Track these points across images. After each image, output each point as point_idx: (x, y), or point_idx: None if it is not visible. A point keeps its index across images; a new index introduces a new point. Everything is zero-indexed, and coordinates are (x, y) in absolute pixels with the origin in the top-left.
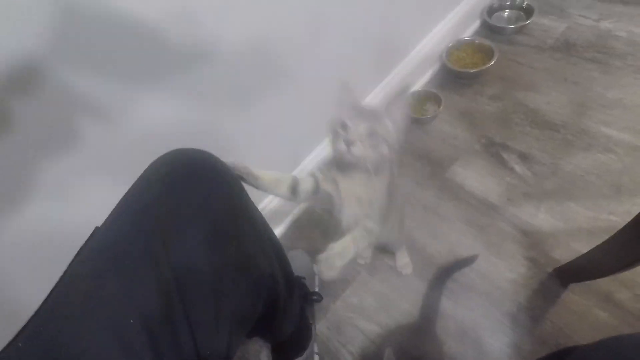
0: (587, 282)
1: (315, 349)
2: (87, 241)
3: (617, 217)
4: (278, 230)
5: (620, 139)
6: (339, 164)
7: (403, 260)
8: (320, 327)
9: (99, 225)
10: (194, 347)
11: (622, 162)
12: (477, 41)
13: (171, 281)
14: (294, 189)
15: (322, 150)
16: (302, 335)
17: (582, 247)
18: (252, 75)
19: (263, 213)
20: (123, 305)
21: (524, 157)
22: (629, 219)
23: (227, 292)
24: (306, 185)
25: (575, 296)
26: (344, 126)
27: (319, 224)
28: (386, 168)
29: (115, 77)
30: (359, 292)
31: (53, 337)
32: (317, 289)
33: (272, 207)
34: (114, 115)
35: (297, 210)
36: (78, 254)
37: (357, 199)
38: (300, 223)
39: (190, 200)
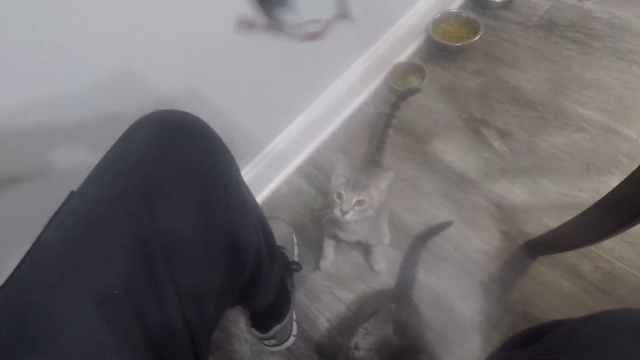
0: (554, 255)
1: (294, 317)
2: (62, 206)
3: (585, 194)
4: (259, 198)
5: (594, 119)
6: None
7: (378, 259)
8: (299, 295)
9: (75, 190)
10: (182, 317)
11: (594, 141)
12: (463, 14)
13: (157, 248)
14: None
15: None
16: (282, 304)
17: (552, 221)
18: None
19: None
20: (104, 272)
21: (502, 134)
22: (596, 195)
23: (214, 261)
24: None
25: (543, 267)
26: (339, 196)
27: (299, 194)
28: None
29: None
30: (336, 262)
31: (28, 308)
32: (296, 259)
33: (252, 175)
34: None
35: (277, 180)
36: (52, 219)
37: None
38: (280, 193)
39: (178, 164)
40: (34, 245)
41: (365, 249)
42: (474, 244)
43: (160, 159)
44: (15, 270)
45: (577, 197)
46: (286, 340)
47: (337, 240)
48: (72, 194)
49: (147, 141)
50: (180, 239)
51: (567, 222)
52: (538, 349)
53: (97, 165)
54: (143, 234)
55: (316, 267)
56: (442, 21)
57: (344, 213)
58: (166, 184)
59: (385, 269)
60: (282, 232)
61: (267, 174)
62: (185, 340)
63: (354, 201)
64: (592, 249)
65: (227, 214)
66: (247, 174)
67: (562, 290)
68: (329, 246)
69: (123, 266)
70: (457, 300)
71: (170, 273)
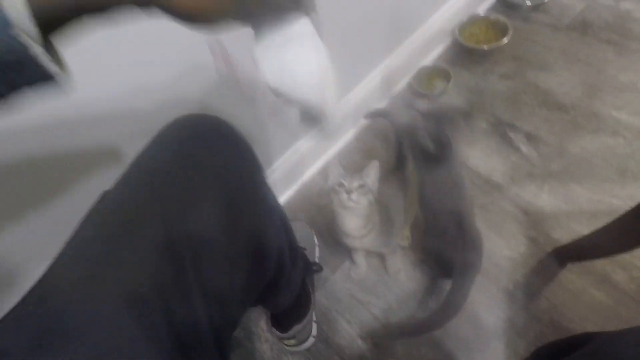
0: (585, 263)
1: (314, 318)
2: (95, 205)
3: (619, 200)
4: (280, 200)
5: (630, 123)
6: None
7: (394, 266)
8: (319, 296)
9: (108, 189)
10: (207, 318)
11: (630, 146)
12: (491, 17)
13: (185, 249)
14: None
15: None
16: (302, 304)
17: (583, 228)
18: None
19: None
20: (135, 270)
21: (530, 138)
22: (631, 202)
23: (240, 263)
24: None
25: (572, 275)
26: (340, 185)
27: (321, 195)
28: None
29: None
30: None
31: (61, 305)
32: (317, 260)
33: (276, 176)
34: None
35: (299, 181)
36: (86, 217)
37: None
38: (302, 194)
39: (207, 167)
40: (67, 242)
41: (381, 258)
42: (500, 250)
43: (190, 162)
44: (49, 267)
45: (610, 203)
46: (306, 340)
47: (349, 250)
48: (105, 193)
49: (179, 143)
50: (208, 240)
51: (600, 228)
52: None
53: (130, 165)
54: (172, 234)
55: (348, 276)
56: (470, 24)
57: (348, 192)
58: (196, 187)
59: (401, 272)
60: (303, 234)
61: (291, 176)
62: (210, 340)
63: (355, 184)
64: (626, 257)
65: (252, 217)
66: (272, 174)
67: (593, 300)
68: (359, 255)
69: (153, 266)
70: (481, 307)
71: (197, 274)
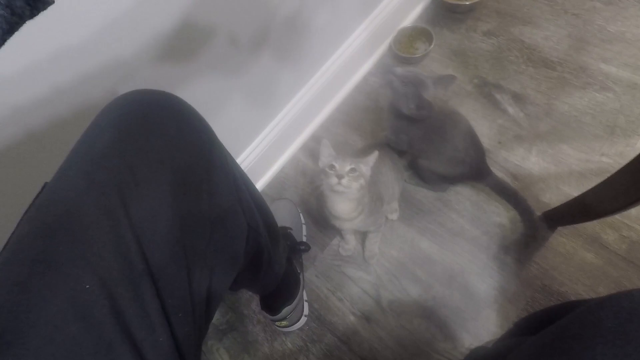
0: (575, 225)
1: (305, 297)
2: (35, 198)
3: (609, 158)
4: (263, 180)
5: (619, 76)
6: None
7: (372, 249)
8: (309, 275)
9: (48, 181)
10: (161, 310)
11: (619, 100)
12: None
13: (132, 240)
14: None
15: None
16: (290, 285)
17: (572, 190)
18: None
19: (245, 164)
20: (77, 267)
21: (517, 98)
22: (621, 160)
23: (200, 248)
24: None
25: (562, 238)
26: (331, 167)
27: (305, 173)
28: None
29: None
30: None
31: (0, 306)
32: (304, 239)
33: (255, 156)
34: None
35: (281, 159)
36: (26, 212)
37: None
38: (285, 172)
39: (150, 148)
40: (8, 240)
41: (363, 235)
42: (489, 217)
43: (129, 145)
44: None
45: (600, 162)
46: (298, 320)
47: (338, 230)
48: (45, 185)
49: (116, 126)
50: (156, 228)
51: (590, 189)
52: (548, 334)
53: (68, 155)
54: (117, 226)
55: (337, 253)
56: None
57: (339, 177)
58: (139, 171)
59: (377, 255)
60: (289, 213)
61: (271, 154)
62: (165, 336)
63: (347, 169)
64: (616, 217)
65: (213, 198)
66: (250, 154)
67: (584, 261)
68: (347, 232)
69: (95, 259)
70: (472, 275)
71: (146, 264)
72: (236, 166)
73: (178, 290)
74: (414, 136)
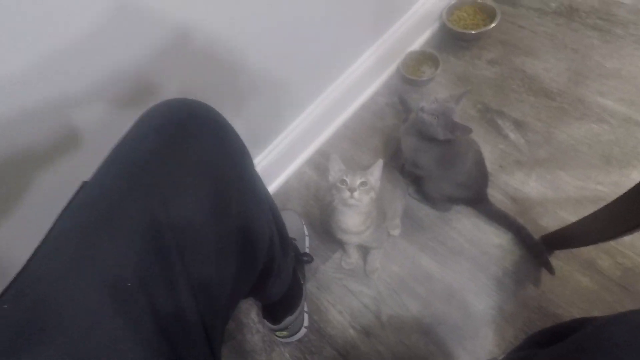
0: (571, 250)
1: (305, 308)
2: (75, 195)
3: (604, 187)
4: (269, 190)
5: (615, 109)
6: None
7: (373, 264)
8: (310, 286)
9: (87, 180)
10: (195, 310)
11: (614, 133)
12: (479, 0)
13: (170, 239)
14: None
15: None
16: (293, 295)
17: (569, 215)
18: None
19: None
20: (117, 263)
21: (518, 125)
22: (616, 189)
23: (228, 255)
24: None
25: (559, 262)
26: (343, 182)
27: (310, 185)
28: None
29: None
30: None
31: (41, 298)
32: (307, 250)
33: (263, 166)
34: None
35: (287, 171)
36: (66, 208)
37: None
38: (291, 184)
39: (191, 155)
40: (46, 235)
41: (364, 250)
42: (489, 238)
43: (171, 152)
44: (28, 260)
45: (596, 190)
46: (298, 331)
47: (343, 244)
48: (84, 184)
49: (159, 131)
50: (194, 231)
51: (587, 216)
52: (565, 347)
53: (108, 155)
54: (156, 225)
55: (339, 266)
56: (457, 8)
57: (352, 191)
58: (179, 175)
59: (378, 270)
60: (293, 224)
61: (278, 165)
62: (198, 333)
63: (358, 182)
64: (611, 243)
65: (240, 206)
66: (258, 164)
67: (579, 285)
68: (350, 246)
69: (136, 257)
70: (470, 294)
71: (184, 265)
72: (259, 178)
73: (210, 289)
74: (432, 156)
